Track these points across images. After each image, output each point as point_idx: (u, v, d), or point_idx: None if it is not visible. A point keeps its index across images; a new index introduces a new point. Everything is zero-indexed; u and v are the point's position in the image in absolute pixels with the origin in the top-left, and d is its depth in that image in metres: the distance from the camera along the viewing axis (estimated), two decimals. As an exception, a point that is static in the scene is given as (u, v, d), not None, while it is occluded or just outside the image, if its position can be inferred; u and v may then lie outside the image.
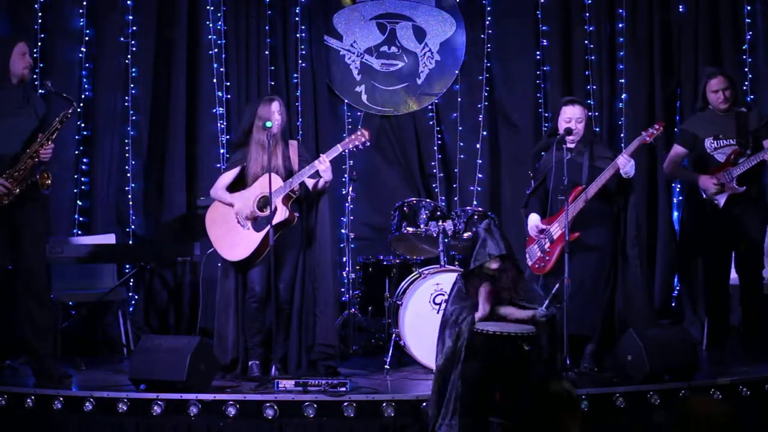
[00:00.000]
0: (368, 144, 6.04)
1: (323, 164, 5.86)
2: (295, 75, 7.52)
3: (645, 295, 6.15)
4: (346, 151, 6.06)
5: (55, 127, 5.64)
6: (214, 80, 7.38)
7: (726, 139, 6.29)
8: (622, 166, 5.75)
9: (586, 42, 7.54)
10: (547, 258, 5.85)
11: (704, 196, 6.28)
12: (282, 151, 5.98)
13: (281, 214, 5.82)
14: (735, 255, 6.39)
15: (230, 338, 6.02)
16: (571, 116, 5.92)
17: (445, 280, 6.12)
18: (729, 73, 6.48)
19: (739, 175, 6.16)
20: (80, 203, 7.26)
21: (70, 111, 5.71)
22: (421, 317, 6.12)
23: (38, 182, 5.60)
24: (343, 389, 5.31)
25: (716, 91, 6.31)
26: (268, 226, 5.70)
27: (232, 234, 5.94)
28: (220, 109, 7.39)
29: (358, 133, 5.98)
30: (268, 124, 5.80)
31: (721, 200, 6.22)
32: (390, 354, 6.15)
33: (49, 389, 5.44)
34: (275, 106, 5.95)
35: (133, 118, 7.33)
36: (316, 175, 5.92)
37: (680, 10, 7.46)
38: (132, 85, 7.32)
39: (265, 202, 5.83)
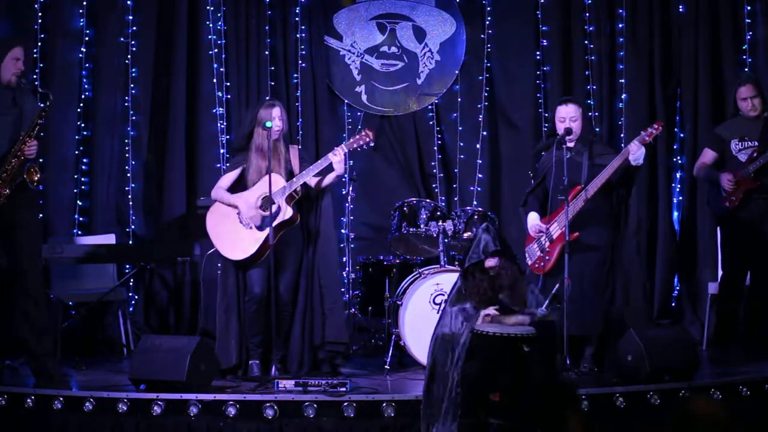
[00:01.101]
0: (372, 144, 6.03)
1: (338, 156, 5.85)
2: (295, 75, 7.52)
3: (642, 291, 6.16)
4: (349, 150, 6.04)
5: (36, 123, 5.61)
6: (214, 80, 7.38)
7: (751, 141, 6.38)
8: (633, 153, 5.74)
9: (586, 42, 7.54)
10: (547, 258, 5.85)
11: (723, 194, 6.35)
12: (283, 154, 5.98)
13: (285, 213, 5.83)
14: (749, 253, 6.43)
15: (233, 341, 6.01)
16: (565, 115, 5.93)
17: (445, 280, 6.12)
18: (758, 81, 6.55)
19: (756, 169, 6.23)
20: (80, 203, 7.26)
21: (48, 103, 5.70)
22: (421, 317, 6.11)
23: (26, 180, 5.58)
24: (343, 389, 5.30)
25: (745, 98, 6.43)
26: (271, 225, 5.71)
27: (234, 233, 5.94)
28: (220, 109, 7.39)
29: (363, 133, 5.98)
30: (268, 124, 5.79)
31: (738, 197, 6.29)
32: (390, 354, 6.15)
33: (49, 389, 5.44)
34: (276, 111, 5.94)
35: (133, 118, 7.33)
36: (322, 172, 5.91)
37: (680, 10, 7.46)
38: (132, 85, 7.33)
39: (267, 201, 5.83)
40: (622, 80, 7.47)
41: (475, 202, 7.59)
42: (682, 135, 7.49)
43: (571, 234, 5.66)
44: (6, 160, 5.56)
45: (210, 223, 6.03)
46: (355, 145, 5.96)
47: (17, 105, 5.69)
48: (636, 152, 5.76)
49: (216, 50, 7.38)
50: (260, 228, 5.88)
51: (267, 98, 6.56)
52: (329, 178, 5.99)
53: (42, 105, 5.73)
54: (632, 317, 5.85)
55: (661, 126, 5.93)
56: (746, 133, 6.42)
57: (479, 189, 7.67)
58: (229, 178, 6.06)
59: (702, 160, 6.62)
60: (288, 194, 5.85)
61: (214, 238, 6.01)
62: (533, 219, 6.00)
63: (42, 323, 5.75)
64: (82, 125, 7.26)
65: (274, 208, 5.75)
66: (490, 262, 5.02)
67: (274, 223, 5.74)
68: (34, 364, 5.75)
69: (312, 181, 5.98)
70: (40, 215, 6.36)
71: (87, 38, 7.27)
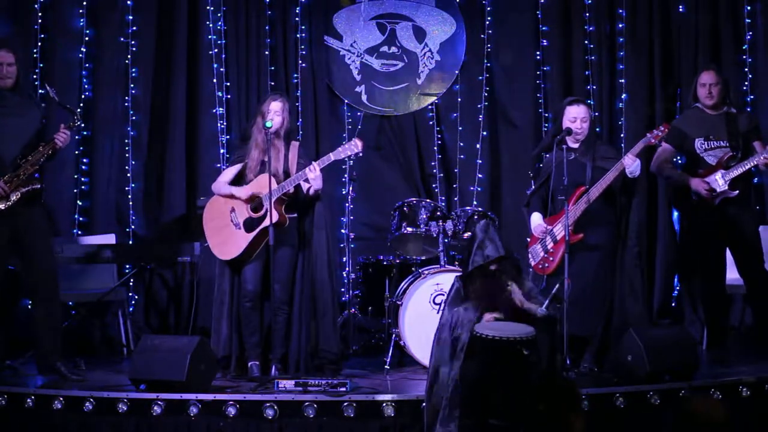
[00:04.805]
0: (361, 155, 6.02)
1: (313, 172, 5.82)
2: (295, 75, 7.52)
3: (641, 298, 6.14)
4: (336, 159, 5.97)
5: (72, 126, 5.80)
6: (214, 80, 7.38)
7: (717, 141, 6.29)
8: (628, 166, 5.75)
9: (586, 42, 7.54)
10: (551, 258, 5.86)
11: (694, 197, 6.29)
12: (282, 152, 5.97)
13: (273, 216, 5.80)
14: (735, 257, 6.39)
15: (223, 334, 6.01)
16: (576, 116, 5.91)
17: (445, 280, 6.13)
18: (721, 73, 6.48)
19: (731, 179, 6.17)
20: (80, 203, 7.26)
21: (76, 116, 5.89)
22: (421, 317, 6.12)
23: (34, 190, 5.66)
24: (343, 389, 5.31)
25: (704, 84, 6.32)
26: (258, 228, 5.73)
27: (225, 232, 5.94)
28: (220, 109, 7.40)
29: (352, 143, 5.91)
30: (268, 124, 5.79)
31: (716, 201, 6.25)
32: (390, 354, 6.15)
33: (49, 389, 5.45)
34: (275, 104, 5.94)
35: (133, 118, 7.33)
36: (308, 180, 5.90)
37: (680, 10, 7.46)
38: (132, 85, 7.33)
39: (258, 203, 5.82)
40: (622, 80, 7.47)
41: (475, 202, 7.59)
42: (682, 135, 7.48)
43: (576, 235, 5.66)
44: (19, 164, 5.61)
45: (205, 218, 6.05)
46: (342, 155, 5.90)
47: (34, 106, 5.75)
48: (631, 165, 5.75)
49: (216, 50, 7.39)
50: (248, 229, 5.87)
51: (272, 92, 6.50)
52: (311, 191, 5.95)
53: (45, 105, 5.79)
54: (630, 319, 5.82)
55: (667, 128, 5.91)
56: (711, 132, 6.29)
57: (479, 189, 7.67)
58: (230, 173, 6.05)
59: (662, 156, 6.44)
60: (278, 197, 5.83)
61: (207, 235, 6.03)
62: (536, 220, 5.99)
63: (58, 320, 5.80)
64: (82, 125, 7.25)
65: (262, 210, 5.75)
66: (493, 266, 4.99)
67: (261, 226, 5.74)
68: (42, 362, 5.78)
69: (305, 186, 5.96)
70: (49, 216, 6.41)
71: (87, 38, 7.27)
